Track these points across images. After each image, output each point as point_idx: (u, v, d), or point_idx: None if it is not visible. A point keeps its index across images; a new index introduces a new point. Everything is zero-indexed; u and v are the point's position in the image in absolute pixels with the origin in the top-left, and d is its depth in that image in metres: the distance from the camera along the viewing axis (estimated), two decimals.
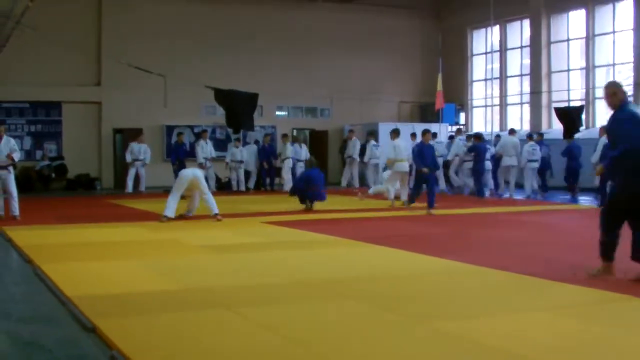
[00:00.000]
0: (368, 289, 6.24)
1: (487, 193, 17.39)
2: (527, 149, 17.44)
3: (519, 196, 17.42)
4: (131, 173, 19.34)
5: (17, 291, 6.53)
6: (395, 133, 15.61)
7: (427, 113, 25.45)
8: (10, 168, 12.20)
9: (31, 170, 20.88)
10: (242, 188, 20.45)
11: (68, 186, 21.30)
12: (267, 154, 20.91)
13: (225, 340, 4.61)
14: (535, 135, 18.31)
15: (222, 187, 20.59)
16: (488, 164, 17.51)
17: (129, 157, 19.42)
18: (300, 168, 20.44)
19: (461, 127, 20.75)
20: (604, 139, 15.02)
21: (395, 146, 15.17)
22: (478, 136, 17.62)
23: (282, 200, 16.75)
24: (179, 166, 19.89)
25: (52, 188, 20.91)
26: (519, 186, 18.07)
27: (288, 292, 6.12)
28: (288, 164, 20.63)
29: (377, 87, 25.46)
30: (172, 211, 11.71)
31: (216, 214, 11.83)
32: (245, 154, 20.66)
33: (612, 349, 4.41)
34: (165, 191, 20.05)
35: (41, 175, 21.04)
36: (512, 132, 18.27)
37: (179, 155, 19.94)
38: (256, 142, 21.75)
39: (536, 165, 17.41)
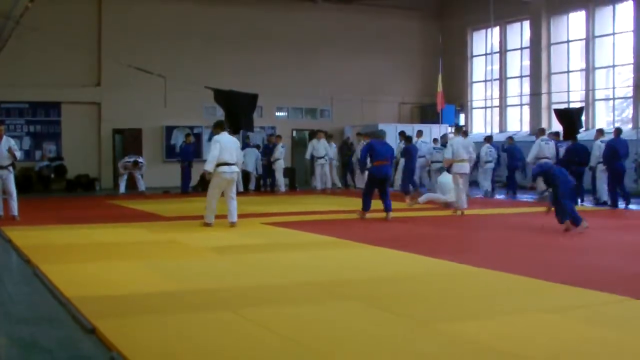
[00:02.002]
0: (370, 290, 6.23)
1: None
2: (484, 151, 18.63)
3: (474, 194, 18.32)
4: (124, 176, 19.31)
5: (16, 292, 6.50)
6: (458, 130, 14.22)
7: (427, 114, 25.46)
8: (11, 168, 12.19)
9: (31, 171, 20.87)
10: (240, 189, 20.37)
11: (67, 187, 21.28)
12: (270, 154, 20.92)
13: (227, 342, 4.59)
14: (487, 138, 19.54)
15: None
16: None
17: (121, 170, 19.38)
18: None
19: (421, 130, 21.29)
20: (599, 143, 15.90)
21: (453, 144, 13.89)
22: (408, 138, 18.47)
23: (281, 202, 16.77)
24: (188, 166, 19.97)
25: (52, 189, 20.88)
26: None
27: (289, 294, 6.10)
28: (280, 165, 20.62)
29: (378, 88, 25.45)
30: (213, 216, 11.27)
31: (233, 222, 11.28)
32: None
33: (613, 351, 4.40)
34: (165, 192, 20.17)
35: (41, 176, 21.02)
36: (465, 134, 19.16)
37: (188, 155, 20.01)
38: (257, 146, 21.72)
39: (492, 165, 18.70)
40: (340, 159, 22.32)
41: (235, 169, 11.34)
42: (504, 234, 10.56)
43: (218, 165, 11.09)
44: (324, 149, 20.95)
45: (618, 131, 15.72)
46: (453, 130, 18.60)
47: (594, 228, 10.84)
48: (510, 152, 18.93)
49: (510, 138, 19.50)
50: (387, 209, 12.50)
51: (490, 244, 9.47)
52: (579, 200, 15.62)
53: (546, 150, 16.61)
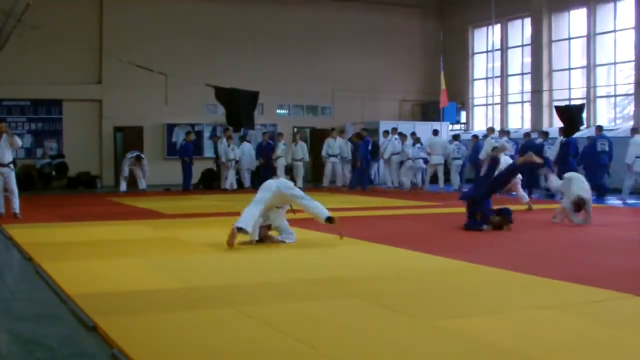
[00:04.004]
0: (372, 287, 6.23)
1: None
2: (453, 148, 19.91)
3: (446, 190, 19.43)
4: (125, 172, 19.32)
5: (17, 289, 6.52)
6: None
7: (428, 111, 25.48)
8: (12, 165, 12.21)
9: (32, 169, 20.89)
10: (228, 186, 20.16)
11: (69, 184, 21.31)
12: (265, 152, 20.88)
13: (228, 339, 4.60)
14: (455, 136, 20.89)
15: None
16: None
17: (126, 171, 19.40)
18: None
19: (396, 127, 21.75)
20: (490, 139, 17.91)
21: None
22: (357, 135, 20.23)
23: None
24: (189, 163, 19.96)
25: (53, 186, 20.91)
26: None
27: (290, 291, 6.10)
28: (281, 163, 20.62)
29: (379, 86, 25.45)
30: (250, 225, 8.40)
31: (328, 218, 8.72)
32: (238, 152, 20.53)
33: (614, 347, 4.40)
34: (166, 189, 20.18)
35: (42, 174, 21.05)
36: (435, 132, 20.59)
37: (188, 153, 20.02)
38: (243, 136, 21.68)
39: (460, 162, 19.91)
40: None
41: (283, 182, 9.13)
42: (502, 231, 10.53)
43: None
44: (338, 148, 21.00)
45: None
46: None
47: (593, 225, 10.86)
48: (474, 149, 19.66)
49: (475, 136, 20.31)
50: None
51: (492, 241, 9.46)
52: (530, 193, 17.09)
53: None
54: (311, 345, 4.40)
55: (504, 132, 19.34)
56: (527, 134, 18.68)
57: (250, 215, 8.39)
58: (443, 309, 5.36)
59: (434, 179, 20.49)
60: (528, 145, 17.57)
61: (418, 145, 20.52)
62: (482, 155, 17.90)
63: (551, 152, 17.29)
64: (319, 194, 18.58)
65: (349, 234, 9.84)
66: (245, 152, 20.85)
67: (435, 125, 22.79)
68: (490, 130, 19.36)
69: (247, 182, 20.81)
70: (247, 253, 8.33)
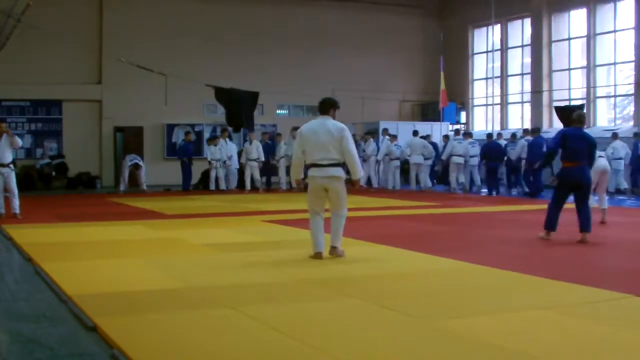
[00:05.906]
0: (371, 287, 6.23)
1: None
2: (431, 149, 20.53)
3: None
4: (125, 173, 19.30)
5: (17, 289, 6.51)
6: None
7: (428, 111, 25.47)
8: (12, 166, 12.21)
9: (32, 169, 20.89)
10: (223, 187, 20.00)
11: (69, 184, 21.30)
12: (265, 152, 20.83)
13: (228, 339, 4.60)
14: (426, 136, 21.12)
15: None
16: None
17: (126, 174, 19.38)
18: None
19: (386, 129, 21.82)
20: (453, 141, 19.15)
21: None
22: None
23: (282, 199, 16.76)
24: (188, 164, 19.90)
25: (53, 186, 20.90)
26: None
27: (290, 291, 6.10)
28: (283, 163, 20.53)
29: (379, 86, 25.43)
30: (317, 242, 7.80)
31: (332, 248, 7.82)
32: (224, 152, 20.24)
33: (614, 347, 4.40)
34: (166, 189, 20.17)
35: (42, 174, 21.04)
36: (415, 133, 20.90)
37: (187, 153, 19.97)
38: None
39: (430, 162, 20.43)
40: None
41: (332, 172, 7.63)
42: (505, 231, 10.54)
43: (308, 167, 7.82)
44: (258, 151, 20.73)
45: (499, 135, 18.94)
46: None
47: (593, 225, 10.85)
48: (444, 149, 20.31)
49: (446, 136, 21.01)
50: (583, 227, 8.98)
51: (491, 241, 9.46)
52: (495, 191, 18.22)
53: (459, 148, 18.96)
54: (311, 345, 4.40)
55: (468, 134, 19.96)
56: (489, 135, 19.18)
57: (320, 236, 7.83)
58: (443, 309, 5.36)
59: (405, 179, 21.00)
60: (489, 146, 18.39)
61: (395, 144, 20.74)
62: (444, 156, 18.99)
63: (514, 153, 18.05)
64: None
65: (349, 234, 9.84)
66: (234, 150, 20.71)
67: (435, 125, 22.82)
68: (457, 132, 20.48)
69: (222, 184, 20.10)
70: (246, 253, 8.33)
